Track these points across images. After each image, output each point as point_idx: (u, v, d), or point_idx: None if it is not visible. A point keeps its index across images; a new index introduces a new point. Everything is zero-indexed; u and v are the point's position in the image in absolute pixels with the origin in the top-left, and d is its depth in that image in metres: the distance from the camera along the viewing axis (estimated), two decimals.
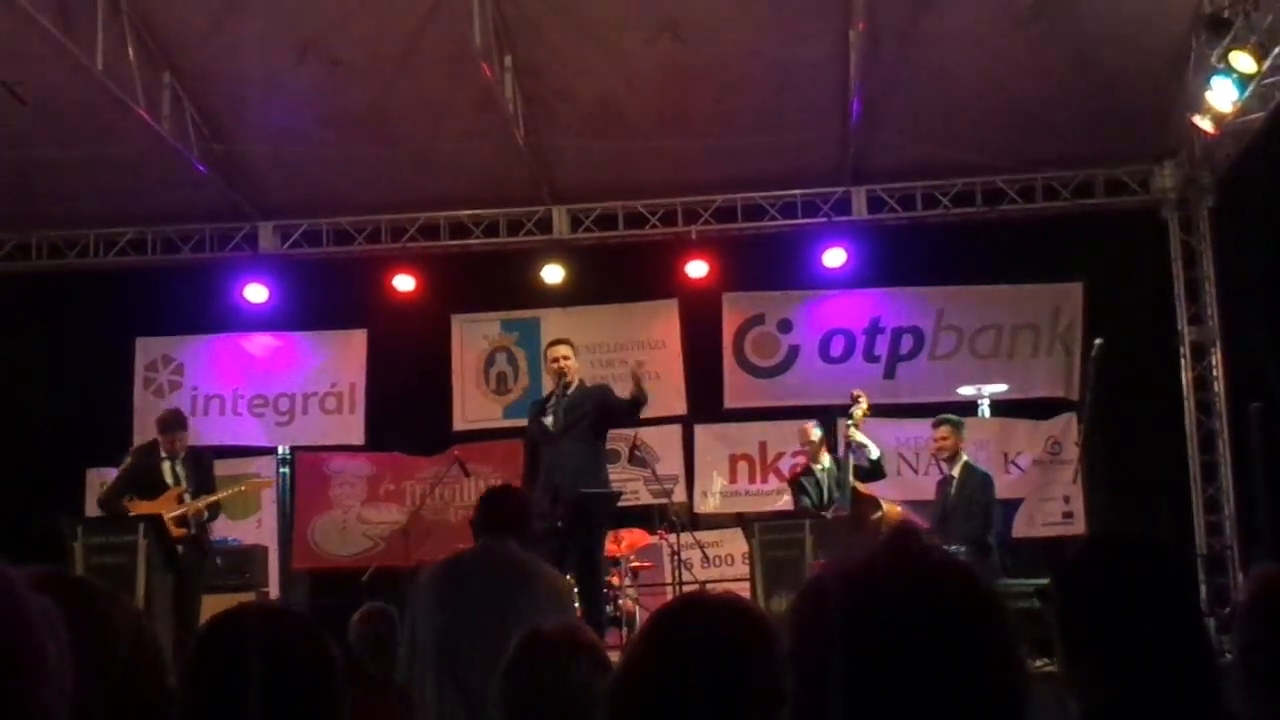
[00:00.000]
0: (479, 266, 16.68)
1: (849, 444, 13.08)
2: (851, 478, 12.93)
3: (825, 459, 13.32)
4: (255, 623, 2.71)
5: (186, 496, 12.46)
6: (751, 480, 16.57)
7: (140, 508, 12.27)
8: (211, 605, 12.05)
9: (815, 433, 13.57)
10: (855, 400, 13.17)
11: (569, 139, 14.75)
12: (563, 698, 3.89)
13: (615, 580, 13.59)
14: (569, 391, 11.60)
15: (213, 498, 12.79)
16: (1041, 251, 15.96)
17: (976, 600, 1.96)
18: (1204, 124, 13.09)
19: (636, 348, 16.63)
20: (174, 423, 12.81)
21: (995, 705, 1.93)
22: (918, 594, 1.92)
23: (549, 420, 11.55)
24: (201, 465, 13.00)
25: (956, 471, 13.04)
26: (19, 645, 1.59)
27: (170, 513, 12.20)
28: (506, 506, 7.25)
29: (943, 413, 13.72)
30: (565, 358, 11.69)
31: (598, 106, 14.33)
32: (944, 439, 13.29)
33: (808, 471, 13.54)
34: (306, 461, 17.05)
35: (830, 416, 14.09)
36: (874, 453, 13.18)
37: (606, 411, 11.70)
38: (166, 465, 12.58)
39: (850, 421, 13.08)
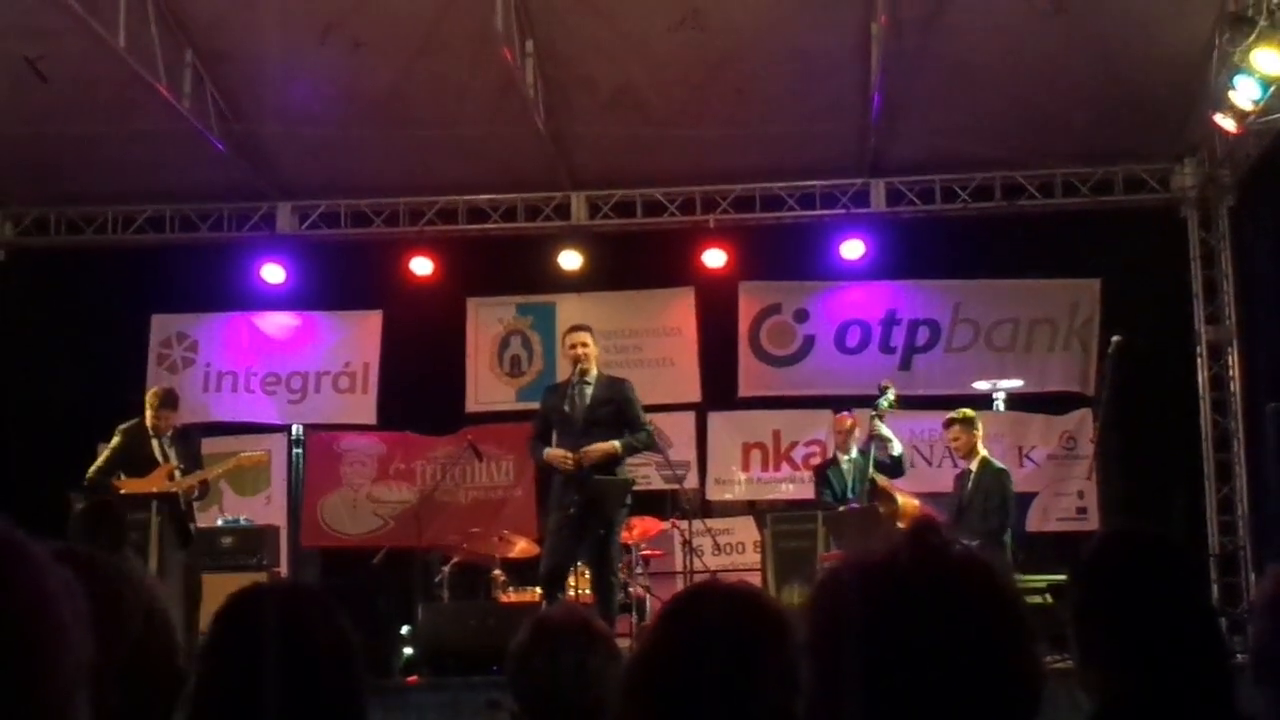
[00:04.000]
0: (496, 251, 16.69)
1: (871, 436, 12.99)
2: (872, 470, 12.86)
3: (854, 451, 13.25)
4: (273, 601, 2.71)
5: (177, 474, 12.38)
6: (764, 469, 16.54)
7: (130, 486, 12.20)
8: (224, 585, 12.06)
9: (849, 423, 13.49)
10: (883, 390, 13.05)
11: (589, 125, 14.73)
12: (577, 686, 3.89)
13: (625, 568, 13.57)
14: (588, 379, 11.60)
15: (204, 474, 12.76)
16: (1060, 247, 15.93)
17: (995, 597, 1.96)
18: (1226, 123, 13.06)
19: (652, 335, 16.65)
20: (167, 400, 12.66)
21: (1011, 701, 1.92)
22: (937, 589, 1.92)
23: (569, 409, 11.52)
24: (190, 443, 12.96)
25: (974, 465, 13.00)
26: (41, 618, 1.58)
27: (162, 490, 12.17)
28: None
29: (959, 406, 13.68)
30: (584, 344, 11.66)
31: (618, 93, 14.32)
32: (956, 439, 13.26)
33: (833, 462, 13.49)
34: (317, 440, 17.03)
35: (847, 406, 14.05)
36: (896, 448, 13.08)
37: (626, 417, 11.70)
38: (156, 442, 12.48)
39: (876, 413, 12.98)
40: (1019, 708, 1.93)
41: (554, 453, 11.48)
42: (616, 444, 11.43)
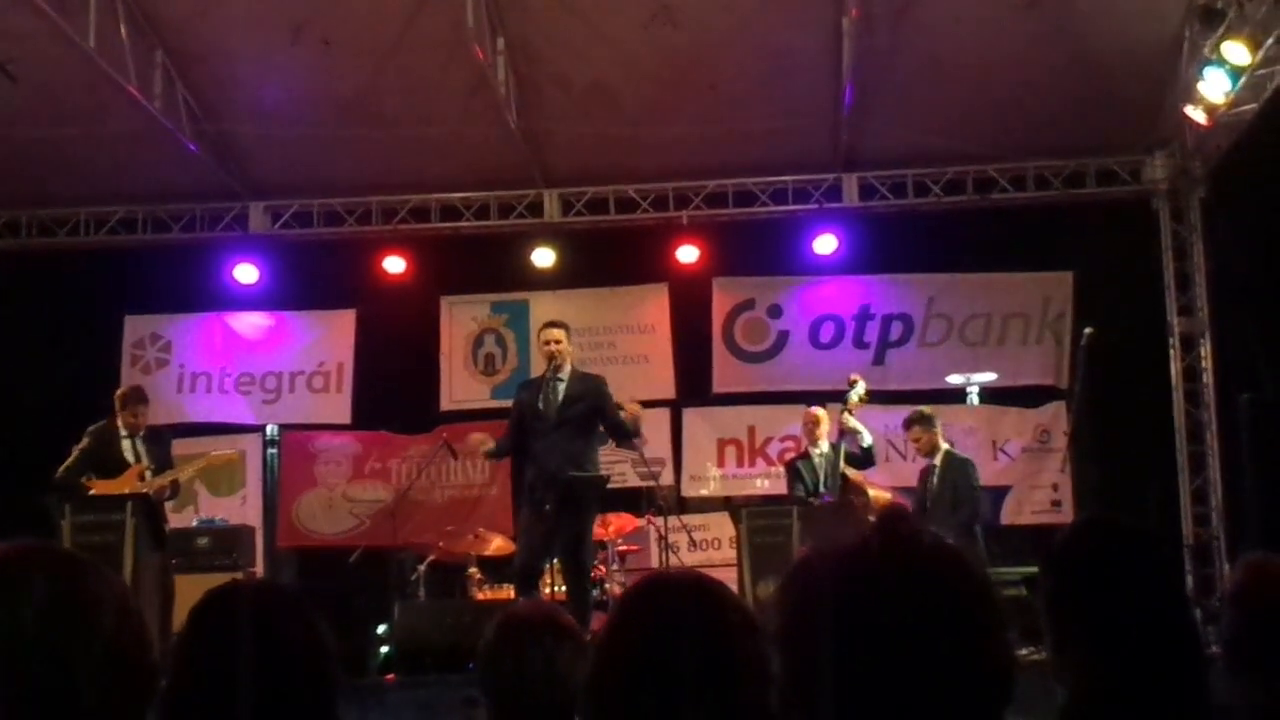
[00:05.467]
0: (469, 249, 16.68)
1: (842, 430, 12.99)
2: (843, 464, 12.87)
3: (824, 444, 13.24)
4: (246, 600, 2.71)
5: (148, 474, 12.28)
6: (739, 464, 16.56)
7: (100, 487, 12.10)
8: (199, 585, 11.97)
9: (820, 416, 13.46)
10: (852, 385, 13.02)
11: (561, 123, 14.72)
12: (545, 681, 3.88)
13: (602, 565, 13.57)
14: (561, 375, 11.57)
15: (174, 474, 12.66)
16: (1032, 240, 15.97)
17: (966, 584, 1.96)
18: (1196, 115, 13.11)
19: (626, 331, 16.66)
20: (135, 397, 12.53)
21: (984, 688, 1.92)
22: (908, 576, 1.92)
23: (543, 406, 11.50)
24: (161, 443, 12.86)
25: (938, 460, 13.04)
26: None
27: (133, 491, 12.10)
28: None
29: (933, 400, 13.72)
30: (557, 341, 11.64)
31: (590, 90, 14.31)
32: (917, 439, 13.34)
33: (805, 456, 13.46)
34: (292, 439, 17.02)
35: (821, 402, 14.03)
36: (866, 440, 13.08)
37: (601, 412, 11.70)
38: (126, 443, 12.33)
39: (845, 406, 12.97)
40: (992, 694, 1.94)
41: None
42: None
